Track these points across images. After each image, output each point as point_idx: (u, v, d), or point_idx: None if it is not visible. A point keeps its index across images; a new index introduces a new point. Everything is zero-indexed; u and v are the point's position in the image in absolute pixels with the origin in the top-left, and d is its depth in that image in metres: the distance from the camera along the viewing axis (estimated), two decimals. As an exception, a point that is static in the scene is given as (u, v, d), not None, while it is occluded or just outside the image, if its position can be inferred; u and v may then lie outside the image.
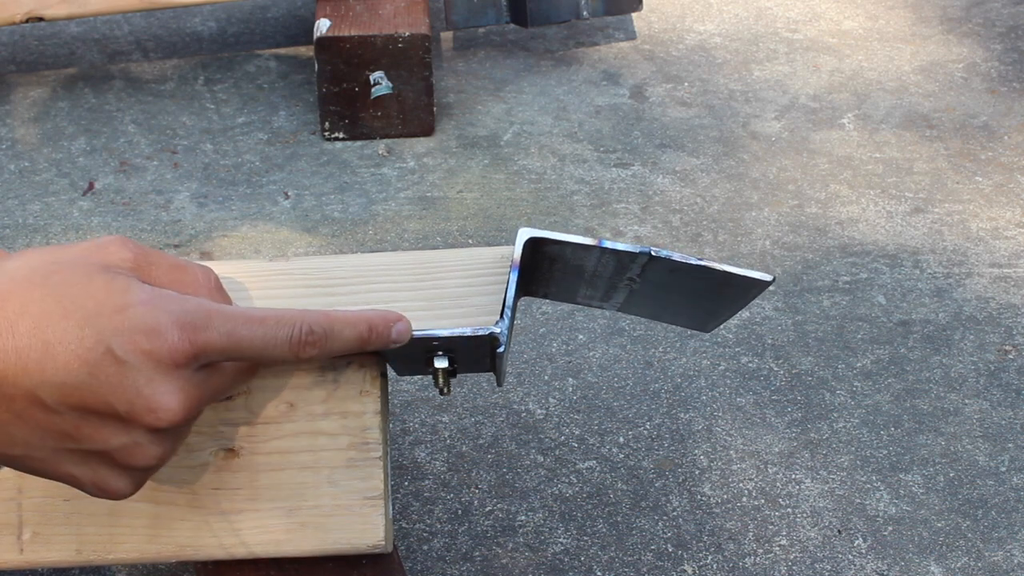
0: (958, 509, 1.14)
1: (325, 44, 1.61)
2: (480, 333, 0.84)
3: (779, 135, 1.65)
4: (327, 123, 1.64)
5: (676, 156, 1.61)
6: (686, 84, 1.76)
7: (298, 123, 1.69)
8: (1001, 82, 1.74)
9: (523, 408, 1.25)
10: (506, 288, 0.87)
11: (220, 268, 0.87)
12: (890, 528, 1.12)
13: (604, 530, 1.13)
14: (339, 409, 0.89)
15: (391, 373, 0.96)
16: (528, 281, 0.93)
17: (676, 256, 0.87)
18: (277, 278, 0.90)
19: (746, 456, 1.19)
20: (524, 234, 0.87)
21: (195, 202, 1.55)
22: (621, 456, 1.20)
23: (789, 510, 1.14)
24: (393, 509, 1.10)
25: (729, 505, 1.15)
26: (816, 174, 1.57)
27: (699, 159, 1.60)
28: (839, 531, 1.12)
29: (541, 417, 1.24)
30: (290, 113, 1.71)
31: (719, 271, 0.88)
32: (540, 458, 1.19)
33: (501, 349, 0.85)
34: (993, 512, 1.14)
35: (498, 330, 0.85)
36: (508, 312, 0.86)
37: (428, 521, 1.13)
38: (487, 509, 1.15)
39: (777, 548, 1.11)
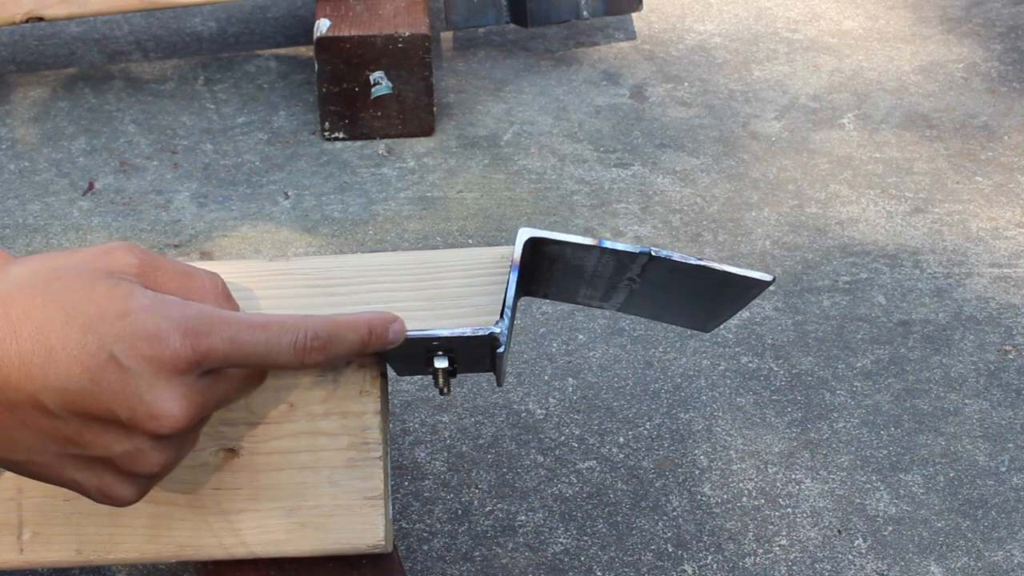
0: (958, 509, 1.14)
1: (325, 44, 1.61)
2: (480, 333, 0.84)
3: (779, 135, 1.65)
4: (327, 123, 1.64)
5: (676, 156, 1.61)
6: (686, 84, 1.76)
7: (298, 123, 1.69)
8: (1001, 82, 1.74)
9: (523, 408, 1.25)
10: (506, 288, 0.87)
11: (220, 268, 0.87)
12: (890, 528, 1.12)
13: (604, 530, 1.13)
14: (339, 409, 0.89)
15: (391, 373, 0.96)
16: (528, 281, 0.93)
17: (676, 256, 0.87)
18: (277, 278, 0.90)
19: (746, 456, 1.19)
20: (524, 234, 0.87)
21: (195, 202, 1.55)
22: (621, 456, 1.20)
23: (789, 510, 1.14)
24: (393, 509, 1.10)
25: (729, 505, 1.15)
26: (816, 174, 1.57)
27: (699, 159, 1.60)
28: (839, 531, 1.12)
29: (541, 417, 1.24)
30: (290, 113, 1.71)
31: (719, 271, 0.88)
32: (540, 458, 1.20)
33: (501, 349, 0.85)
34: (993, 512, 1.14)
35: (498, 330, 0.85)
36: (508, 312, 0.86)
37: (428, 521, 1.13)
38: (487, 509, 1.15)
39: (777, 548, 1.11)
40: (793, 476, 1.17)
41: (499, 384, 0.95)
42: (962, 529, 1.12)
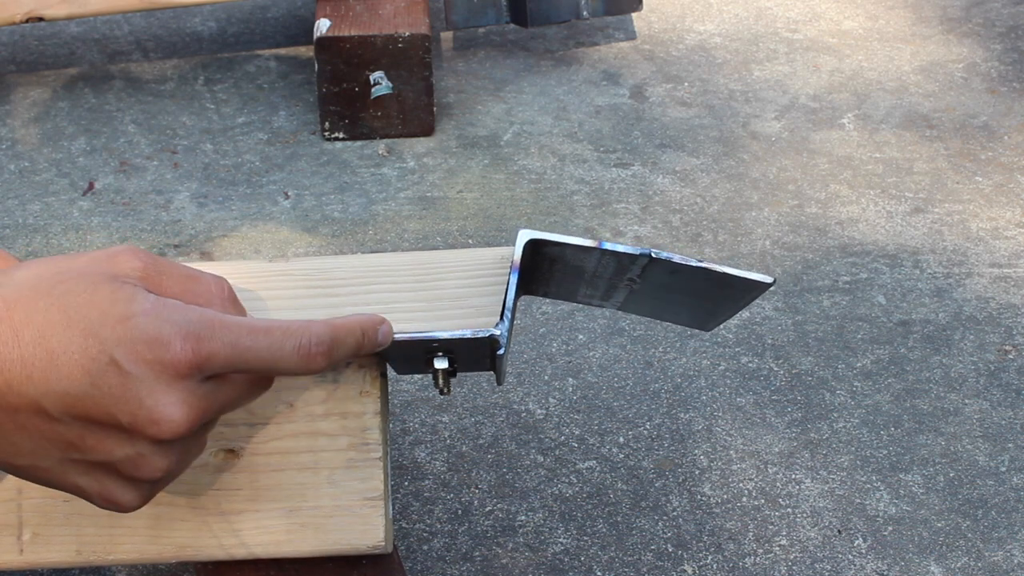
0: (958, 509, 1.14)
1: (325, 44, 1.61)
2: (480, 335, 0.84)
3: (779, 135, 1.65)
4: (327, 123, 1.64)
5: (676, 156, 1.61)
6: (686, 84, 1.76)
7: (298, 123, 1.69)
8: (1001, 82, 1.74)
9: (523, 408, 1.25)
10: (506, 290, 0.87)
11: (220, 269, 0.87)
12: (890, 528, 1.12)
13: (604, 530, 1.13)
14: (339, 409, 0.89)
15: (391, 373, 0.96)
16: (528, 281, 0.93)
17: (676, 258, 0.87)
18: (277, 279, 0.90)
19: (746, 456, 1.19)
20: (524, 236, 0.87)
21: (195, 202, 1.55)
22: (621, 456, 1.20)
23: (789, 510, 1.14)
24: (393, 509, 1.10)
25: (729, 505, 1.15)
26: (816, 174, 1.57)
27: (699, 159, 1.60)
28: (839, 531, 1.12)
29: (541, 417, 1.24)
30: (290, 113, 1.71)
31: (719, 273, 0.88)
32: (540, 458, 1.20)
33: (501, 351, 0.85)
34: (993, 512, 1.14)
35: (498, 332, 0.85)
36: (508, 314, 0.86)
37: (428, 521, 1.13)
38: (487, 509, 1.15)
39: (777, 548, 1.11)
40: (793, 476, 1.17)
41: (499, 383, 0.95)
42: (962, 529, 1.12)
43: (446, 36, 1.87)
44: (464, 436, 1.22)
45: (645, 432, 1.22)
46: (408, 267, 0.90)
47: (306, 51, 1.84)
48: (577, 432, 1.22)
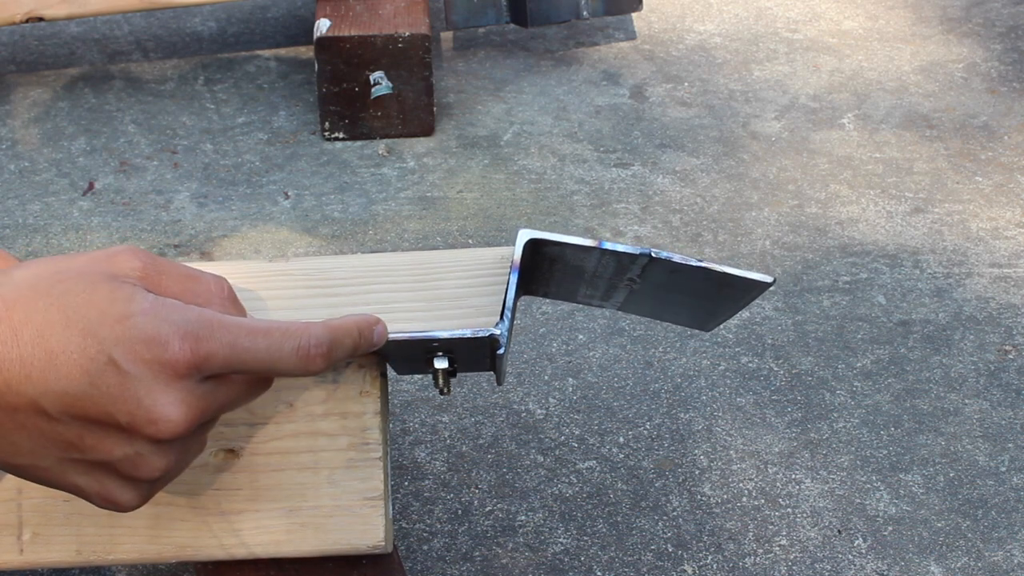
0: (958, 509, 1.14)
1: (325, 44, 1.61)
2: (480, 335, 0.84)
3: (779, 135, 1.65)
4: (327, 123, 1.64)
5: (676, 156, 1.61)
6: (686, 84, 1.76)
7: (298, 123, 1.69)
8: (1001, 82, 1.74)
9: (523, 408, 1.25)
10: (506, 289, 0.87)
11: (219, 269, 0.87)
12: (890, 528, 1.12)
13: (604, 530, 1.13)
14: (339, 409, 0.89)
15: (391, 373, 0.96)
16: (528, 281, 0.93)
17: (676, 257, 0.87)
18: (277, 279, 0.90)
19: (746, 456, 1.19)
20: (524, 235, 0.87)
21: (195, 202, 1.55)
22: (621, 456, 1.20)
23: (789, 510, 1.14)
24: (393, 509, 1.10)
25: (729, 505, 1.15)
26: (816, 174, 1.57)
27: (699, 159, 1.60)
28: (839, 531, 1.12)
29: (541, 417, 1.24)
30: (290, 113, 1.71)
31: (719, 272, 0.88)
32: (540, 458, 1.20)
33: (501, 350, 0.85)
34: (993, 512, 1.14)
35: (498, 331, 0.85)
36: (508, 314, 0.86)
37: (428, 521, 1.13)
38: (487, 509, 1.15)
39: (777, 548, 1.11)
40: (793, 476, 1.17)
41: (499, 383, 0.95)
42: (962, 529, 1.12)
43: (446, 36, 1.87)
44: (464, 436, 1.22)
45: (645, 432, 1.22)
46: (408, 267, 0.90)
47: (306, 51, 1.84)
48: (577, 432, 1.22)
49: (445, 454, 1.20)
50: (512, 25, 1.81)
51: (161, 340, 0.73)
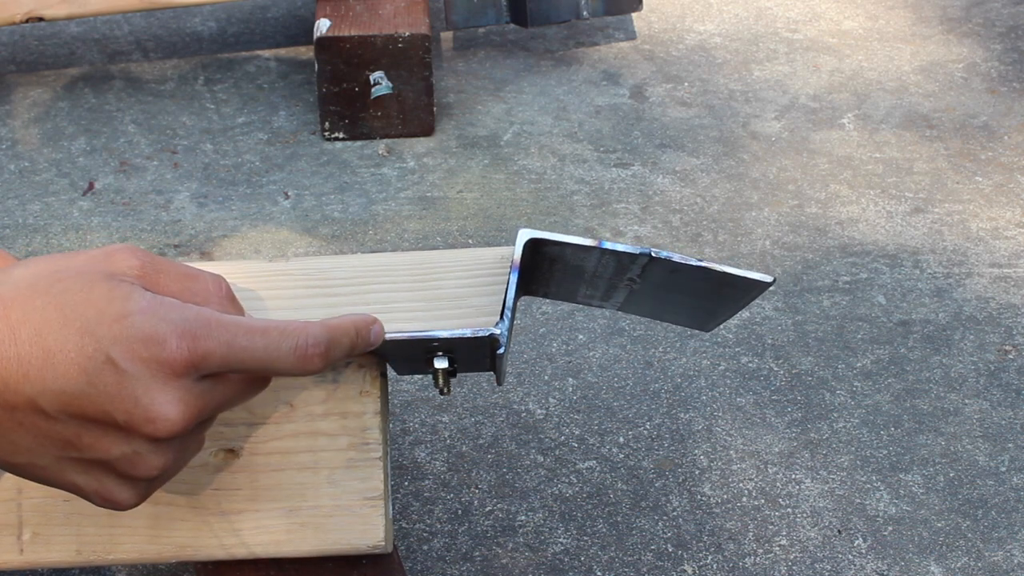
0: (958, 509, 1.14)
1: (325, 44, 1.61)
2: (480, 335, 0.84)
3: (779, 135, 1.65)
4: (327, 123, 1.64)
5: (676, 156, 1.61)
6: (686, 84, 1.76)
7: (298, 123, 1.69)
8: (1001, 82, 1.74)
9: (523, 408, 1.25)
10: (506, 289, 0.87)
11: (219, 268, 0.87)
12: (890, 528, 1.12)
13: (604, 530, 1.13)
14: (339, 409, 0.89)
15: (391, 373, 0.96)
16: (528, 280, 0.93)
17: (676, 257, 0.87)
18: (276, 279, 0.90)
19: (746, 456, 1.19)
20: (524, 235, 0.87)
21: (195, 202, 1.55)
22: (621, 456, 1.20)
23: (789, 510, 1.14)
24: (393, 509, 1.10)
25: (729, 505, 1.15)
26: (816, 174, 1.57)
27: (699, 159, 1.60)
28: (839, 531, 1.12)
29: (541, 417, 1.24)
30: (290, 113, 1.71)
31: (719, 272, 0.88)
32: (540, 458, 1.20)
33: (501, 350, 0.85)
34: (993, 512, 1.14)
35: (498, 331, 0.85)
36: (508, 313, 0.86)
37: (428, 521, 1.13)
38: (487, 509, 1.15)
39: (777, 548, 1.11)
40: (793, 476, 1.17)
41: (499, 383, 0.95)
42: (962, 529, 1.12)
43: (446, 36, 1.87)
44: (464, 436, 1.22)
45: (645, 432, 1.22)
46: (407, 267, 0.90)
47: (306, 51, 1.84)
48: (577, 432, 1.22)
49: (445, 454, 1.20)
50: (512, 25, 1.81)
51: (159, 339, 0.73)
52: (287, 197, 1.56)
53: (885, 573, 1.09)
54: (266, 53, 1.84)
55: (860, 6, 1.93)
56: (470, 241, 1.48)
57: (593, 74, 1.78)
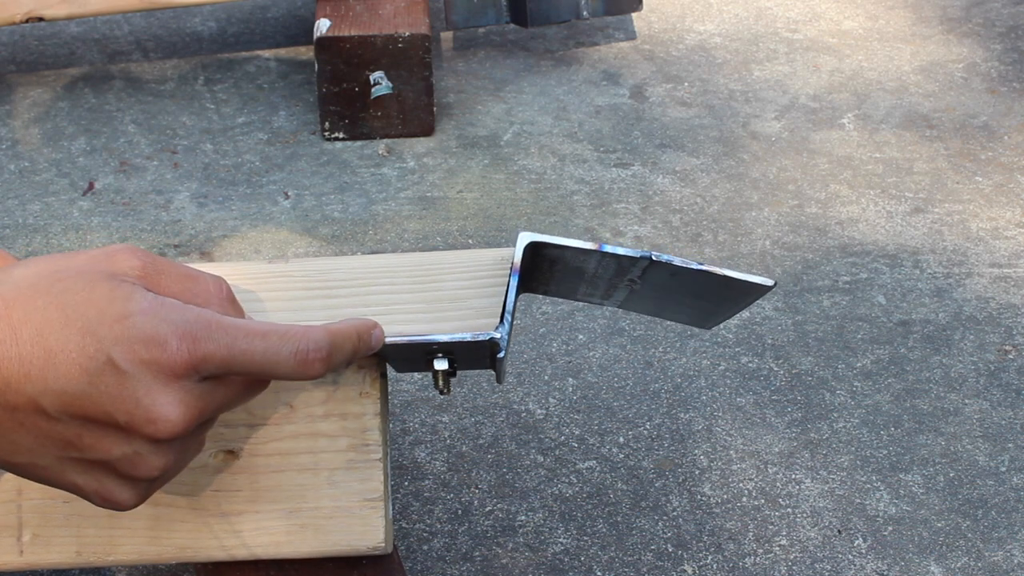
0: (958, 509, 1.14)
1: (325, 44, 1.61)
2: (480, 338, 0.84)
3: (779, 135, 1.65)
4: (327, 123, 1.64)
5: (676, 156, 1.61)
6: (686, 84, 1.76)
7: (298, 123, 1.69)
8: (1001, 82, 1.74)
9: (523, 408, 1.25)
10: (506, 292, 0.87)
11: (219, 269, 0.87)
12: (890, 528, 1.13)
13: (604, 530, 1.13)
14: (339, 411, 0.89)
15: (391, 372, 0.96)
16: (528, 280, 0.93)
17: (677, 260, 0.87)
18: (276, 280, 0.90)
19: (746, 456, 1.19)
20: (524, 238, 0.87)
21: (195, 202, 1.55)
22: (621, 456, 1.20)
23: (789, 510, 1.14)
24: (393, 509, 1.10)
25: (729, 505, 1.15)
26: (816, 174, 1.57)
27: (699, 159, 1.60)
28: (839, 531, 1.12)
29: (541, 417, 1.24)
30: (290, 113, 1.71)
31: (720, 276, 0.88)
32: (540, 458, 1.20)
33: (501, 354, 0.85)
34: (993, 512, 1.14)
35: (498, 335, 0.85)
36: (508, 317, 0.86)
37: (428, 521, 1.13)
38: (487, 509, 1.15)
39: (777, 548, 1.11)
40: (793, 476, 1.17)
41: (499, 382, 0.95)
42: (962, 529, 1.12)
43: (446, 36, 1.87)
44: (464, 436, 1.22)
45: (645, 432, 1.22)
46: (407, 268, 0.90)
47: (306, 51, 1.84)
48: (577, 432, 1.22)
49: (445, 454, 1.20)
50: (512, 25, 1.81)
51: (160, 340, 0.73)
52: (287, 197, 1.56)
53: (885, 573, 1.09)
54: (266, 53, 1.84)
55: (860, 6, 1.93)
56: (470, 241, 1.48)
57: (593, 74, 1.78)
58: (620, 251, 0.87)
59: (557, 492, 1.16)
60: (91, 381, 0.73)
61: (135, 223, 1.52)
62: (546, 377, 1.29)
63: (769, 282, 0.87)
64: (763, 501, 1.15)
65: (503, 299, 0.87)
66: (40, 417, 0.74)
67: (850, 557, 1.10)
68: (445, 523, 1.13)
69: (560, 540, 1.12)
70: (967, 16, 1.90)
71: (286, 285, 0.89)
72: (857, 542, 1.11)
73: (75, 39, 1.88)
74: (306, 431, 0.89)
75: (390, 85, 1.62)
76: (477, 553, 1.11)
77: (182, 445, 0.76)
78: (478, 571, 1.09)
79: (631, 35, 1.87)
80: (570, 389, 1.27)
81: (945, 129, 1.65)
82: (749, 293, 0.90)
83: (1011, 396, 1.26)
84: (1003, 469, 1.18)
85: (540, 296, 0.97)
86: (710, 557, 1.10)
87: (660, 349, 1.32)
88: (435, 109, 1.65)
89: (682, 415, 1.24)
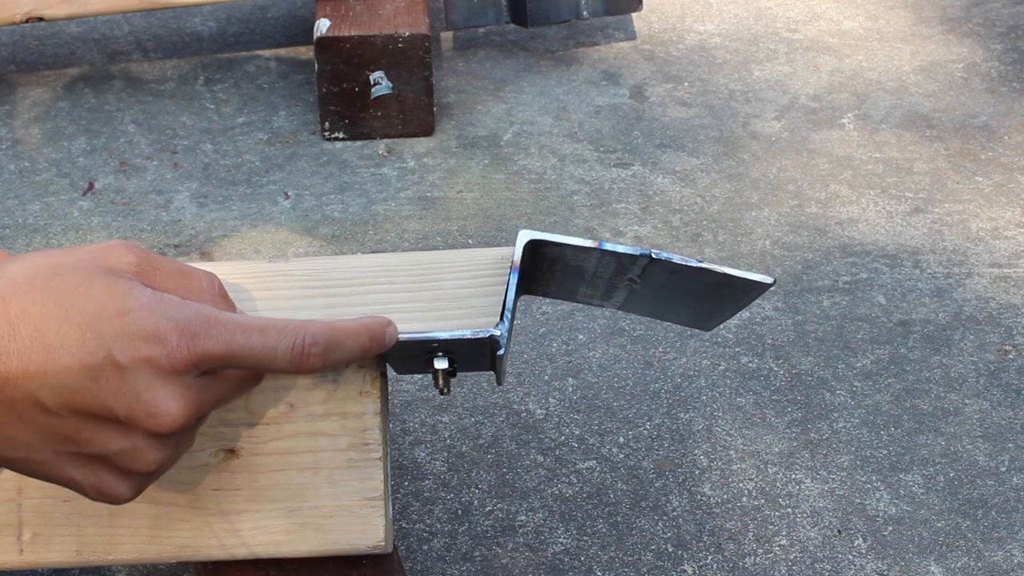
0: (958, 509, 1.14)
1: (325, 44, 1.61)
2: (480, 336, 0.84)
3: (779, 135, 1.65)
4: (327, 123, 1.64)
5: (676, 156, 1.61)
6: (686, 84, 1.76)
7: (298, 123, 1.69)
8: (1001, 82, 1.74)
9: (523, 408, 1.25)
10: (506, 290, 0.87)
11: (219, 269, 0.87)
12: (890, 528, 1.13)
13: (604, 530, 1.13)
14: (339, 410, 0.89)
15: (391, 373, 0.96)
16: (528, 280, 0.93)
17: (676, 258, 0.87)
18: (276, 279, 0.90)
19: (746, 456, 1.19)
20: (524, 236, 0.87)
21: (195, 202, 1.55)
22: (621, 456, 1.20)
23: (789, 510, 1.14)
24: (393, 509, 1.10)
25: (729, 505, 1.15)
26: (816, 174, 1.57)
27: (699, 159, 1.60)
28: (839, 531, 1.12)
29: (541, 417, 1.24)
30: (290, 113, 1.71)
31: (720, 273, 0.88)
32: (540, 458, 1.20)
33: (501, 351, 0.85)
34: (993, 512, 1.14)
35: (498, 332, 0.85)
36: (508, 314, 0.86)
37: (428, 521, 1.13)
38: (487, 509, 1.15)
39: (777, 548, 1.11)
40: (793, 476, 1.17)
41: (499, 383, 0.95)
42: (962, 529, 1.12)
43: (446, 36, 1.87)
44: (464, 436, 1.22)
45: (645, 432, 1.22)
46: (407, 267, 0.90)
47: (306, 51, 1.84)
48: (577, 432, 1.22)
49: (445, 454, 1.20)
50: (512, 25, 1.81)
51: (159, 336, 0.73)
52: (287, 197, 1.56)
53: (885, 573, 1.09)
54: (266, 53, 1.84)
55: (860, 6, 1.93)
56: (470, 241, 1.48)
57: (593, 74, 1.78)
58: (620, 249, 0.87)
59: (557, 492, 1.16)
60: (92, 376, 0.73)
61: (135, 223, 1.52)
62: (546, 377, 1.29)
63: (768, 280, 0.87)
64: (763, 501, 1.15)
65: (503, 297, 0.87)
66: (39, 412, 0.74)
67: (850, 557, 1.10)
68: (445, 523, 1.13)
69: (560, 540, 1.12)
70: (967, 16, 1.90)
71: (286, 284, 0.89)
72: (857, 542, 1.11)
73: (75, 39, 1.88)
74: (306, 430, 0.89)
75: (390, 85, 1.62)
76: (477, 553, 1.11)
77: (178, 440, 0.77)
78: (478, 571, 1.09)
79: (631, 35, 1.87)
80: (570, 389, 1.27)
81: (945, 129, 1.65)
82: (748, 291, 0.90)
83: (1011, 396, 1.26)
84: (1003, 469, 1.18)
85: (540, 297, 0.97)
86: (710, 557, 1.10)
87: (660, 349, 1.32)
88: (435, 109, 1.65)
89: (682, 415, 1.24)
